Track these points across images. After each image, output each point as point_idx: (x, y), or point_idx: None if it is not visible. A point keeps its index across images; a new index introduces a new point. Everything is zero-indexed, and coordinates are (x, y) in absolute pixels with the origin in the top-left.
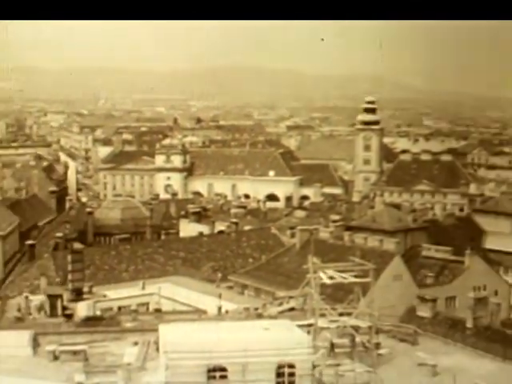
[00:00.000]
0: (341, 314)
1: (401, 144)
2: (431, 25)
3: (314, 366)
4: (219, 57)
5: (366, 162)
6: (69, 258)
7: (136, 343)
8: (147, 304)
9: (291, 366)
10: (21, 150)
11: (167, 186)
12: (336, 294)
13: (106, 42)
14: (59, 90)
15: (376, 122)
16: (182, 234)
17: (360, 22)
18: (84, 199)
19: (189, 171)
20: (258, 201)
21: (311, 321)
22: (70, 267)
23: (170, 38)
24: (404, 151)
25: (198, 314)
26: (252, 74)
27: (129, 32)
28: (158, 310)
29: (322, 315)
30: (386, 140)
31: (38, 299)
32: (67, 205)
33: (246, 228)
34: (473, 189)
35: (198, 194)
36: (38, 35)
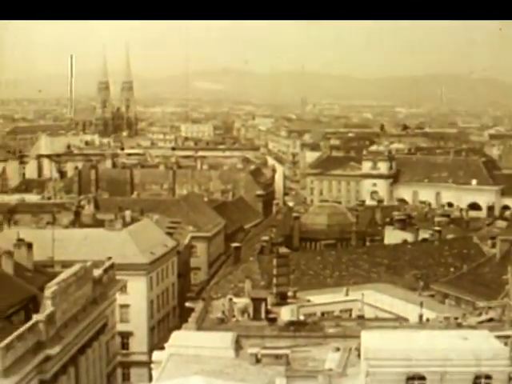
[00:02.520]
0: None
1: None
2: None
3: (510, 378)
4: (423, 65)
5: None
6: (274, 262)
7: (338, 349)
8: (350, 310)
9: (488, 376)
10: (228, 153)
11: (373, 193)
12: None
13: (309, 44)
14: (267, 94)
15: None
16: (386, 241)
17: None
18: (291, 204)
19: (394, 178)
20: (461, 209)
21: (509, 332)
22: (275, 271)
23: (377, 43)
24: None
25: (400, 321)
26: (454, 81)
27: (334, 36)
28: (360, 317)
29: None
30: None
31: (241, 302)
32: (274, 209)
33: (449, 236)
34: None
35: (402, 200)
36: (243, 35)
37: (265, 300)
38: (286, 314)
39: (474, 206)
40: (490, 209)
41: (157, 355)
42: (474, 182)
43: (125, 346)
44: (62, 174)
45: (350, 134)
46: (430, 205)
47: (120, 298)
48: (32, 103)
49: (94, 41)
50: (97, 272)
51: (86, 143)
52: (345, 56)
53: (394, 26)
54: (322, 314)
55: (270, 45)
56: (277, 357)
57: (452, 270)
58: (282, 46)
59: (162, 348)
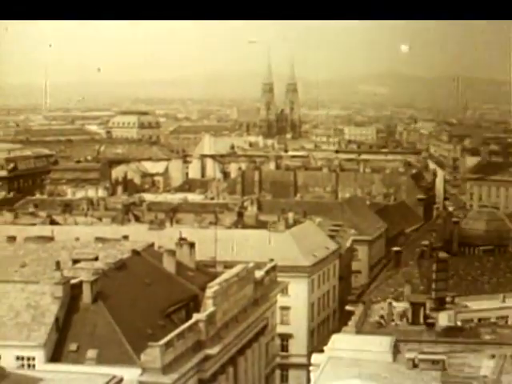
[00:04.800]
0: None
1: None
2: None
3: None
4: None
5: None
6: (434, 266)
7: (493, 356)
8: (506, 317)
9: None
10: (390, 156)
11: None
12: None
13: (467, 47)
14: (429, 98)
15: None
16: None
17: None
18: (450, 208)
19: None
20: None
21: None
22: (434, 276)
23: None
24: None
25: None
26: None
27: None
28: None
29: None
30: None
31: (401, 306)
32: (434, 213)
33: None
34: None
35: None
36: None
37: (423, 305)
38: (443, 319)
39: None
40: None
41: (316, 358)
42: None
43: (284, 348)
44: (226, 174)
45: (510, 140)
46: None
47: (281, 300)
48: (196, 103)
49: (260, 42)
50: (259, 273)
51: (250, 144)
52: (502, 59)
53: None
54: (479, 320)
55: (427, 48)
56: (433, 362)
57: None
58: (440, 49)
59: (322, 351)
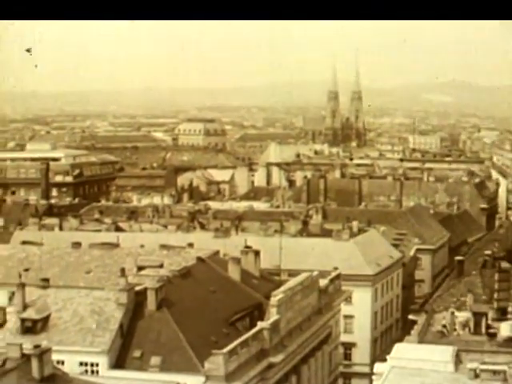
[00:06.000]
0: None
1: None
2: None
3: None
4: None
5: None
6: (496, 276)
7: None
8: None
9: None
10: (454, 165)
11: None
12: None
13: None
14: (492, 106)
15: None
16: None
17: None
18: None
19: None
20: None
21: None
22: (496, 286)
23: None
24: None
25: None
26: None
27: None
28: None
29: None
30: None
31: (463, 316)
32: (497, 223)
33: None
34: None
35: None
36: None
37: (486, 314)
38: (505, 329)
39: None
40: None
41: (378, 367)
42: None
43: (347, 356)
44: (291, 182)
45: None
46: None
47: (345, 309)
48: (261, 111)
49: (324, 49)
50: (323, 282)
51: (316, 152)
52: None
53: None
54: None
55: (490, 56)
56: (495, 372)
57: None
58: (504, 57)
59: (384, 360)
